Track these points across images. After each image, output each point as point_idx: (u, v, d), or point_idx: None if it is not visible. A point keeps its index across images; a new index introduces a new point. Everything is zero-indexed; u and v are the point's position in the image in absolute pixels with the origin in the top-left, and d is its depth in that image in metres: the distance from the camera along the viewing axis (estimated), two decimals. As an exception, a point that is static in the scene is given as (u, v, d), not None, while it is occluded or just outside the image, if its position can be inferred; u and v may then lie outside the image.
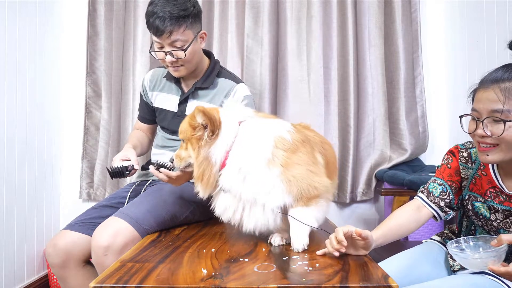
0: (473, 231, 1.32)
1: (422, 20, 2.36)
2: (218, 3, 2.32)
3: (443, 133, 2.39)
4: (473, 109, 1.14)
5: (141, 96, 1.86)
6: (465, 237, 1.18)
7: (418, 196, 1.31)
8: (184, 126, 1.24)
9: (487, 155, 1.11)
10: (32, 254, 2.16)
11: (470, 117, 1.15)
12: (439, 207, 1.28)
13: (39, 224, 2.22)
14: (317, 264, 1.02)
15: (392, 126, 2.34)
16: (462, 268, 1.27)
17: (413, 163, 2.31)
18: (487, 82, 1.11)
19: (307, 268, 0.99)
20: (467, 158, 1.28)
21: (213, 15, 2.32)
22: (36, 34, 2.18)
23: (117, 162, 1.46)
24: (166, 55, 1.55)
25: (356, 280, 0.90)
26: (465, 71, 2.19)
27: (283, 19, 2.33)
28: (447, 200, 1.28)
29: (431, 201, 1.28)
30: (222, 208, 1.20)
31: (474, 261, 1.07)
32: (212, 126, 1.16)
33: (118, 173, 1.43)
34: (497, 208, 1.20)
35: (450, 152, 1.32)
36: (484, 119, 1.09)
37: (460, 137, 2.23)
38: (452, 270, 1.31)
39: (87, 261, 1.49)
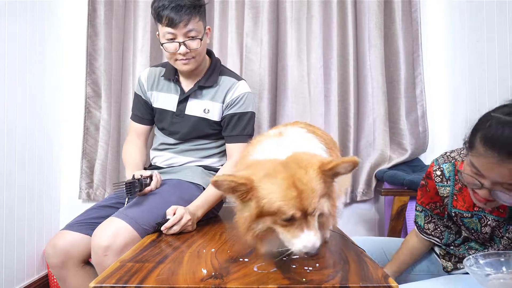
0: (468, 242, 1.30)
1: (422, 20, 2.36)
2: (218, 3, 2.32)
3: (443, 133, 2.38)
4: (473, 166, 0.98)
5: (137, 95, 1.80)
6: (477, 255, 1.06)
7: (415, 229, 1.35)
8: None
9: (485, 204, 1.05)
10: (32, 254, 2.16)
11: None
12: (430, 234, 1.30)
13: (39, 224, 2.22)
14: (317, 264, 1.01)
15: (392, 126, 2.34)
16: (455, 269, 1.26)
17: (413, 163, 2.31)
18: (503, 153, 0.91)
19: (307, 268, 0.99)
20: (441, 177, 1.23)
21: (213, 15, 2.31)
22: (36, 34, 2.17)
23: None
24: (180, 45, 1.55)
25: (356, 280, 0.89)
26: (465, 71, 2.18)
27: (283, 19, 2.32)
28: (434, 224, 1.29)
29: (424, 232, 1.32)
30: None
31: (497, 282, 0.94)
32: None
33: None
34: (488, 218, 1.16)
35: (426, 175, 1.27)
36: (493, 187, 0.97)
37: (460, 137, 2.23)
38: (445, 271, 1.30)
39: (86, 262, 1.48)
